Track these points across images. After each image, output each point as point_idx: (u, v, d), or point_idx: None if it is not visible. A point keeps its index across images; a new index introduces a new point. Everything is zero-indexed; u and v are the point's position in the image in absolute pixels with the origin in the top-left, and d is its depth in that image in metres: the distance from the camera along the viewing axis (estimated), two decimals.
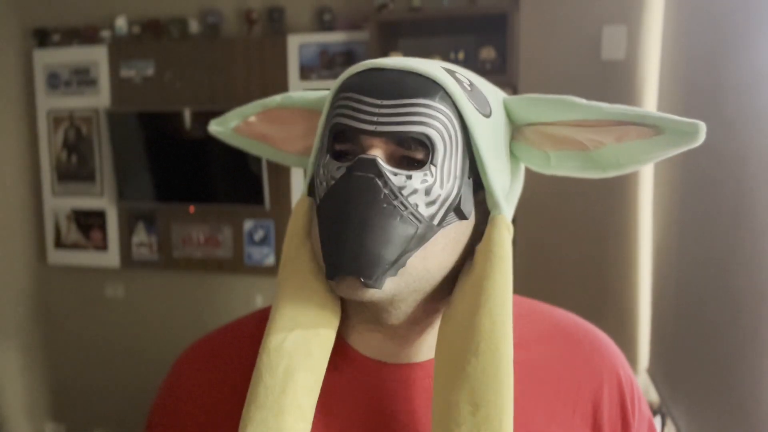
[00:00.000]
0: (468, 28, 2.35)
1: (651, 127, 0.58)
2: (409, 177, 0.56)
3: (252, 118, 0.75)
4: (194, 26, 2.74)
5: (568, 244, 2.13)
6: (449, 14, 2.25)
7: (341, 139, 0.59)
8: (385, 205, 0.55)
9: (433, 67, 0.59)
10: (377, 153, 0.57)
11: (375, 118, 0.56)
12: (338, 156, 0.59)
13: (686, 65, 1.66)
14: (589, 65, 2.06)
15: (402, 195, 0.56)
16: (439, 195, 0.57)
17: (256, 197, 2.67)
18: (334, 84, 0.62)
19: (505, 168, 0.63)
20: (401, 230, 0.56)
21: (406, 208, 0.56)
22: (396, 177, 0.56)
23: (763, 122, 1.09)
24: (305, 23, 2.64)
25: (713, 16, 1.42)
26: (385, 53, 2.32)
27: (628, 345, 2.09)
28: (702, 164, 1.45)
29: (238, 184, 2.72)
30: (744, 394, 1.15)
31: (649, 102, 2.01)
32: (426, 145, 0.57)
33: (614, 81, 2.04)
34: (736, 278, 1.21)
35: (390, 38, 2.43)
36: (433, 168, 0.57)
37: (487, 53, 2.24)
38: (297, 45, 2.60)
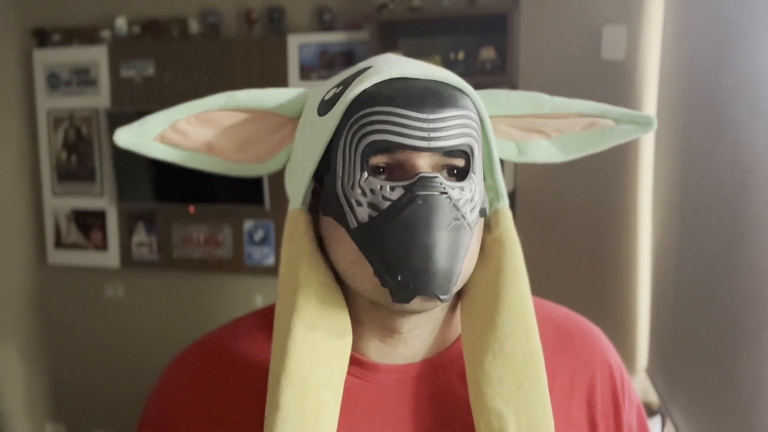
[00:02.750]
0: (468, 28, 2.35)
1: (611, 119, 0.67)
2: (462, 189, 0.57)
3: (182, 123, 0.64)
4: (194, 26, 2.74)
5: (567, 243, 2.13)
6: (449, 14, 2.25)
7: (377, 154, 0.56)
8: (454, 221, 0.55)
9: (448, 73, 0.59)
10: (426, 167, 0.56)
11: (425, 134, 0.54)
12: (374, 172, 0.56)
13: (686, 65, 1.66)
14: (589, 65, 2.06)
15: (459, 207, 0.56)
16: (478, 199, 0.59)
17: (256, 197, 2.67)
18: (346, 96, 0.57)
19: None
20: (465, 241, 0.57)
21: (464, 218, 0.57)
22: (454, 191, 0.56)
23: (763, 122, 1.09)
24: (305, 23, 2.64)
25: (713, 16, 1.42)
26: (385, 53, 2.32)
27: (627, 345, 2.09)
28: (701, 164, 1.44)
29: (238, 184, 2.71)
30: (743, 395, 1.15)
31: (649, 101, 2.01)
32: (467, 153, 0.57)
33: (614, 81, 2.04)
34: (735, 278, 1.21)
35: (390, 38, 2.43)
36: (473, 175, 0.58)
37: (487, 53, 2.24)
38: (297, 45, 2.60)
